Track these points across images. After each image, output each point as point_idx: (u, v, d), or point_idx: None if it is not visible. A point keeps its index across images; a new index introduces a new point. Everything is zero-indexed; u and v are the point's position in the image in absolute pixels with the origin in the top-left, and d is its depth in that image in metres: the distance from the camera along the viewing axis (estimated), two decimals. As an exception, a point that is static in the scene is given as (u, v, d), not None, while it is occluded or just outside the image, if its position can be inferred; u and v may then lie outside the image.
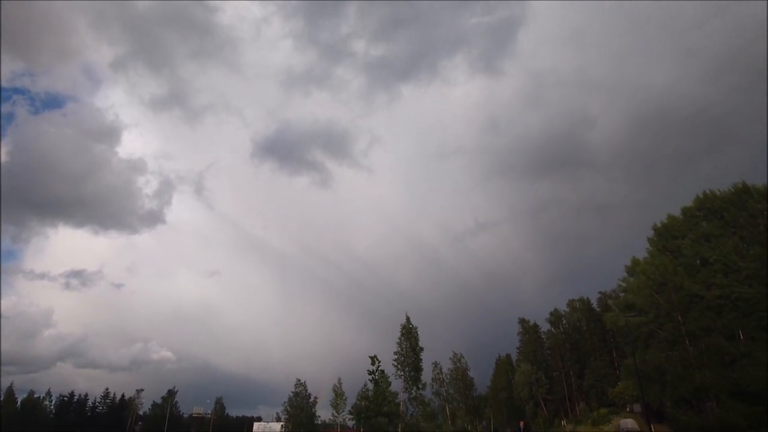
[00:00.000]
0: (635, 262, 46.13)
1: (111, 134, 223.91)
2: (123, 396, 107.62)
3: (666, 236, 44.12)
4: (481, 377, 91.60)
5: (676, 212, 45.43)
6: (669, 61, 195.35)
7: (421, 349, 57.83)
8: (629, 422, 47.99)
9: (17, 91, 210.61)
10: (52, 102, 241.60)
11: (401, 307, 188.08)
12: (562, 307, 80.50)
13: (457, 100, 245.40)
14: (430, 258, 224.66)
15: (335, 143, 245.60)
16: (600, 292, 74.12)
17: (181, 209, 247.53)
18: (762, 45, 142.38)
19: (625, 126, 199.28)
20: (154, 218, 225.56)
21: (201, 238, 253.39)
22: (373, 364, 49.82)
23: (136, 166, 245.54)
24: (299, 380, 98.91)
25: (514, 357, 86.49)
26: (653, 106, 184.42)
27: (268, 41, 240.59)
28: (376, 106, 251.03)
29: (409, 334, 58.19)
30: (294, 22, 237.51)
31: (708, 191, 42.75)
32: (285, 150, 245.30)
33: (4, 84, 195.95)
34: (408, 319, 59.62)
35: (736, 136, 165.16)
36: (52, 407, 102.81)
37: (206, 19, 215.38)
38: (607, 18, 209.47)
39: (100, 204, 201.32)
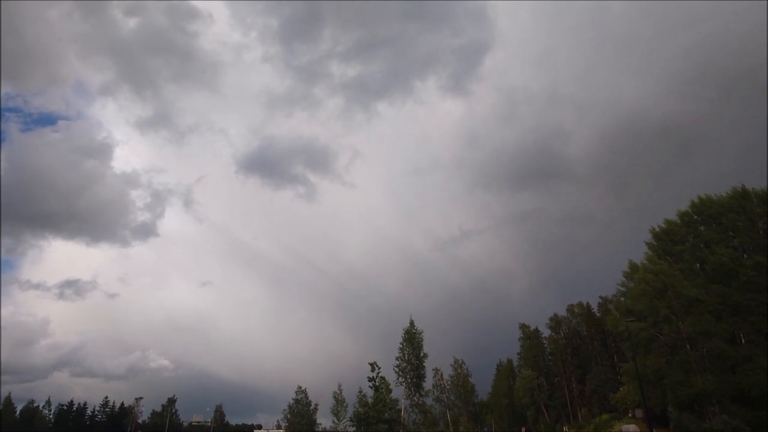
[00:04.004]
0: (633, 266, 46.11)
1: (103, 150, 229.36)
2: (122, 404, 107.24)
3: (665, 241, 44.13)
4: (478, 384, 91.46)
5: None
6: (636, 77, 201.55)
7: (426, 355, 56.88)
8: (632, 428, 47.73)
9: (11, 110, 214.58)
10: (45, 120, 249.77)
11: (392, 315, 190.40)
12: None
13: (436, 116, 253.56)
14: (420, 267, 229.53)
15: (318, 160, 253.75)
16: (600, 297, 74.16)
17: (173, 222, 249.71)
18: (726, 60, 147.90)
19: (598, 140, 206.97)
20: (147, 231, 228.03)
21: (193, 250, 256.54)
22: (372, 370, 49.43)
23: (129, 181, 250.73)
24: (300, 387, 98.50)
25: (515, 363, 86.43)
26: (625, 121, 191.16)
27: (248, 65, 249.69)
28: (355, 124, 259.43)
29: (412, 339, 57.09)
30: (273, 46, 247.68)
31: (705, 195, 42.81)
32: (269, 168, 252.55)
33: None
34: (412, 323, 57.76)
35: (709, 146, 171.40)
36: (51, 416, 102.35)
37: (188, 45, 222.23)
38: (574, 39, 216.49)
39: (94, 217, 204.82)
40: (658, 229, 45.38)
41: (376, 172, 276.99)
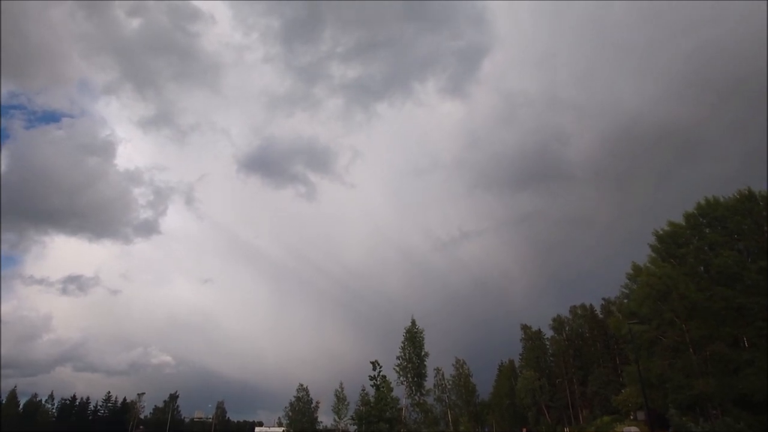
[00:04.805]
0: (636, 268, 45.91)
1: (106, 148, 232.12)
2: (125, 399, 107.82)
3: (669, 243, 43.88)
4: (479, 384, 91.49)
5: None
6: (636, 81, 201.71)
7: (426, 354, 56.85)
8: (633, 430, 47.62)
9: (14, 107, 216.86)
10: (49, 118, 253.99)
11: (393, 315, 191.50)
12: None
13: (436, 118, 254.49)
14: (420, 267, 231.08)
15: (319, 160, 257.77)
16: (603, 299, 73.98)
17: (175, 220, 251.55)
18: (727, 64, 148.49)
19: (599, 143, 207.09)
20: (149, 228, 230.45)
21: (194, 247, 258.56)
22: (374, 369, 49.37)
23: (132, 178, 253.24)
24: (301, 385, 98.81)
25: (517, 363, 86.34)
26: (625, 124, 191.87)
27: (249, 65, 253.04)
28: (355, 124, 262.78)
29: (413, 338, 57.07)
30: (274, 47, 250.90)
31: (711, 197, 42.52)
32: (270, 167, 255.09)
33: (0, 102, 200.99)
34: (413, 322, 57.79)
35: (709, 150, 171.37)
36: (54, 410, 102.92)
37: (190, 46, 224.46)
38: (573, 42, 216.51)
39: (97, 214, 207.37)
40: (661, 232, 45.12)
41: (376, 173, 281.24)
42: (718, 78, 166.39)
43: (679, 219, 44.06)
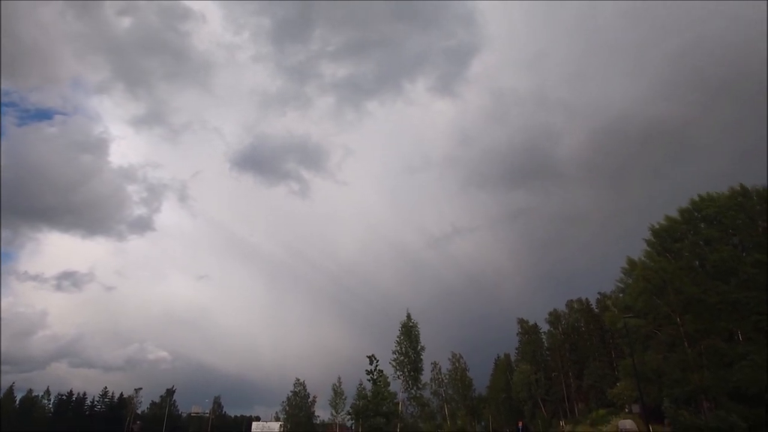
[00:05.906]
0: (631, 263, 46.09)
1: (99, 145, 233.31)
2: (122, 395, 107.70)
3: (664, 238, 44.05)
4: (476, 379, 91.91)
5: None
6: (628, 80, 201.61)
7: (423, 347, 56.91)
8: (628, 423, 47.99)
9: (6, 104, 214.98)
10: (42, 115, 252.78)
11: (388, 311, 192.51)
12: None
13: (429, 116, 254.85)
14: (414, 264, 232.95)
15: (311, 158, 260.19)
16: (599, 293, 74.24)
17: (169, 216, 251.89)
18: (720, 64, 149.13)
19: (590, 140, 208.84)
20: (143, 225, 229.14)
21: (188, 244, 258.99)
22: (371, 363, 49.37)
23: (126, 175, 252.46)
24: (298, 380, 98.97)
25: (513, 357, 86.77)
26: (617, 122, 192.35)
27: (241, 65, 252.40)
28: (347, 122, 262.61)
29: (409, 332, 57.09)
30: (265, 46, 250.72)
31: (705, 193, 42.69)
32: (262, 165, 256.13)
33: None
34: (409, 316, 57.62)
35: (701, 147, 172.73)
36: (50, 406, 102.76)
37: (181, 45, 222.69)
38: (565, 42, 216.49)
39: (91, 211, 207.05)
40: (657, 226, 45.27)
41: (369, 170, 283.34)
42: (710, 77, 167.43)
43: (674, 215, 44.26)
